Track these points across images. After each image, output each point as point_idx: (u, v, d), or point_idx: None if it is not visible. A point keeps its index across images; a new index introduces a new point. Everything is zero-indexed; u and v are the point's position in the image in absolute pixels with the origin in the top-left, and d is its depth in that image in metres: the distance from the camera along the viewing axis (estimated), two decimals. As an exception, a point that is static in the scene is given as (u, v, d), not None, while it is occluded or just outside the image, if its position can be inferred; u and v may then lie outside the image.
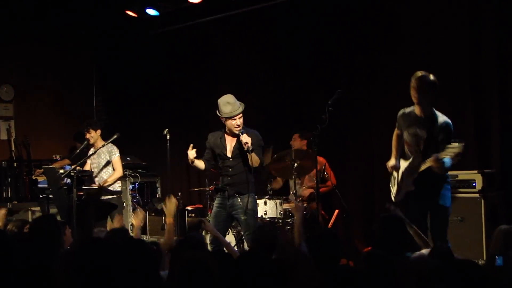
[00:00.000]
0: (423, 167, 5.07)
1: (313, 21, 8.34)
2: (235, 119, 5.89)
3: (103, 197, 7.20)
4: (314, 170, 6.30)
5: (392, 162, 5.46)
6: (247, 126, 6.03)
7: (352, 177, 7.91)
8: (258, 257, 3.27)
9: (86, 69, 11.18)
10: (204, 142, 6.28)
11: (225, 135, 6.08)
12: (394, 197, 5.50)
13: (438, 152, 4.93)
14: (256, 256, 3.30)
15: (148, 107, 10.61)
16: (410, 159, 5.28)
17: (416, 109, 5.19)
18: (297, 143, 7.48)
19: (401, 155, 5.45)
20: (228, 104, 5.91)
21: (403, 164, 5.39)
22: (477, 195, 6.15)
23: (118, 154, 7.39)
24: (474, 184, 6.19)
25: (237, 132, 5.88)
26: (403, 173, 5.37)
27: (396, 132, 5.46)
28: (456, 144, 4.84)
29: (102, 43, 11.02)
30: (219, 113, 5.96)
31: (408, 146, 5.31)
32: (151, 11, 9.48)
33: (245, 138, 5.80)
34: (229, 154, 6.03)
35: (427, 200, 5.19)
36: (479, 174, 6.21)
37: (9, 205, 8.89)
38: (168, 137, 7.40)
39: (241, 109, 5.93)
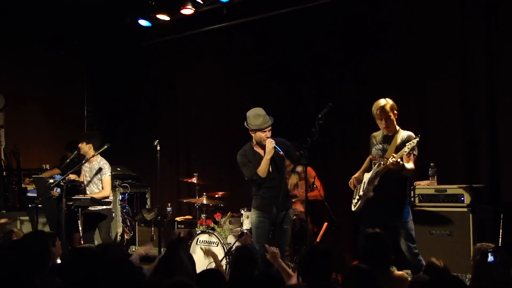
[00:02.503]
0: (381, 169, 5.44)
1: (304, 34, 8.40)
2: (265, 131, 5.99)
3: (91, 208, 7.19)
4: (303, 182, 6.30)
5: (355, 175, 5.85)
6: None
7: (341, 190, 7.91)
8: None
9: (77, 79, 11.17)
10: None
11: (256, 150, 6.11)
12: (355, 207, 5.77)
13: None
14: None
15: (139, 117, 10.61)
16: (373, 168, 5.62)
17: (384, 131, 5.66)
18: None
19: (367, 171, 5.81)
20: (259, 117, 5.99)
21: (367, 176, 5.71)
22: (465, 209, 6.16)
23: (109, 173, 7.33)
24: (462, 198, 6.21)
25: (265, 143, 5.96)
26: (365, 182, 5.69)
27: (369, 157, 5.87)
28: (411, 142, 5.25)
29: (94, 53, 11.01)
30: (247, 125, 6.01)
31: (373, 159, 5.69)
32: (144, 22, 9.50)
33: (270, 144, 5.92)
34: (270, 169, 6.06)
35: (389, 220, 5.50)
36: (468, 189, 6.24)
37: (-2, 213, 8.83)
38: (158, 148, 7.40)
39: (270, 121, 6.02)
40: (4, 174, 9.69)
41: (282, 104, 8.56)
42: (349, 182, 5.87)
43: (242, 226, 7.18)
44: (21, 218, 8.65)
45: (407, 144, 5.25)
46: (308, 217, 6.33)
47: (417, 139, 5.25)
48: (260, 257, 5.66)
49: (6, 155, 9.84)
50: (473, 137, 6.83)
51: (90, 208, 7.18)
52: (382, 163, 5.40)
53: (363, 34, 7.84)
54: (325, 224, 7.25)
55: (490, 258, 3.67)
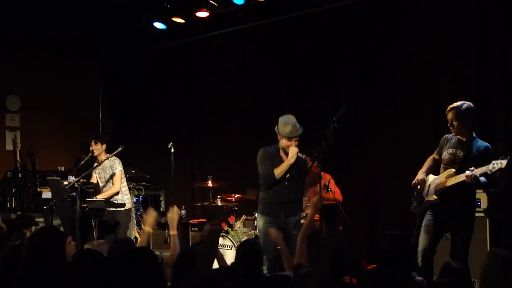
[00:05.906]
0: (453, 180, 5.17)
1: (319, 38, 8.37)
2: (291, 140, 5.94)
3: (108, 208, 7.15)
4: (318, 186, 6.27)
5: (419, 176, 5.54)
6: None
7: (356, 193, 7.88)
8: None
9: (92, 81, 11.23)
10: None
11: (281, 153, 6.08)
12: (413, 208, 5.59)
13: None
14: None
15: (153, 120, 10.63)
16: (443, 172, 5.36)
17: (453, 133, 5.37)
18: None
19: (433, 173, 5.55)
20: (289, 125, 5.93)
21: (432, 178, 5.48)
22: (482, 214, 6.09)
23: (119, 169, 7.26)
24: (479, 203, 6.13)
25: (288, 150, 5.94)
26: (429, 185, 5.46)
27: (432, 156, 5.61)
28: (497, 162, 4.90)
29: (109, 55, 11.06)
30: (277, 130, 5.99)
31: (444, 164, 5.40)
32: (159, 25, 9.52)
33: (293, 150, 5.88)
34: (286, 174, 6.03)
35: (449, 221, 5.28)
36: (485, 194, 6.17)
37: (13, 215, 8.87)
38: (172, 150, 7.38)
39: (300, 132, 5.96)
40: (20, 175, 9.74)
41: (297, 107, 8.51)
42: (413, 183, 5.59)
43: (256, 229, 7.16)
44: (36, 219, 8.68)
45: (494, 162, 4.91)
46: (323, 221, 6.30)
47: (506, 160, 4.84)
48: (269, 262, 5.65)
49: (22, 156, 9.91)
50: (490, 142, 6.73)
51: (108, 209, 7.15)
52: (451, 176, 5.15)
53: (379, 39, 7.78)
54: (340, 228, 7.21)
55: None
